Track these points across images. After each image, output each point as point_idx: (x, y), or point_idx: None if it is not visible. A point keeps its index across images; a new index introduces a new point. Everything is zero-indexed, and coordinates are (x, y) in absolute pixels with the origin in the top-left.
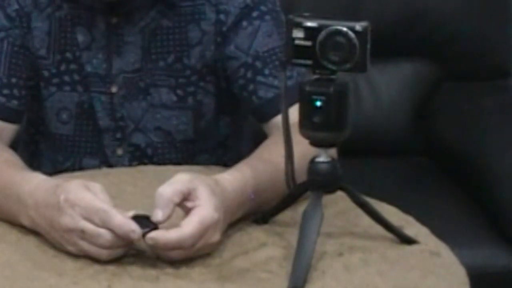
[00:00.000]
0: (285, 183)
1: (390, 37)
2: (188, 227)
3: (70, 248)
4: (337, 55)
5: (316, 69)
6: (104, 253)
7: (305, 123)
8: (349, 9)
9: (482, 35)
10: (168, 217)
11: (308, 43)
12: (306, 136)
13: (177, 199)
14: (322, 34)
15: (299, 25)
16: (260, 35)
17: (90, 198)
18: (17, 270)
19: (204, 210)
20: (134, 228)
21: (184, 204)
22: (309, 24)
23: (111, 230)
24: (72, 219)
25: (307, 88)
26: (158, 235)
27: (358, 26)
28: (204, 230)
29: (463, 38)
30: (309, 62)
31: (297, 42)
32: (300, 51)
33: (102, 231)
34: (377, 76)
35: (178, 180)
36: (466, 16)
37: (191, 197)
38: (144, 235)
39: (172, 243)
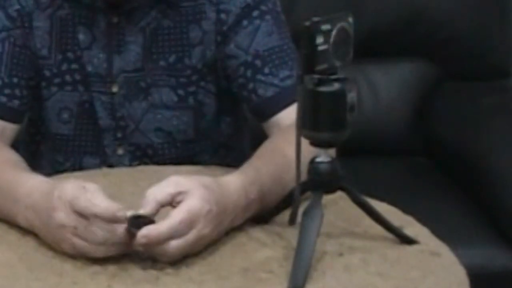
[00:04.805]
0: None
1: (390, 37)
2: (177, 215)
3: (66, 247)
4: (343, 50)
5: (329, 70)
6: (99, 250)
7: (306, 124)
8: (349, 9)
9: (482, 35)
10: (156, 209)
11: (325, 46)
12: (307, 136)
13: (160, 197)
14: (334, 33)
15: (319, 30)
16: (260, 34)
17: (85, 197)
18: (17, 270)
19: (192, 200)
20: (119, 207)
21: (174, 200)
22: (325, 27)
23: (99, 217)
24: (64, 215)
25: (308, 88)
26: (149, 230)
27: (350, 18)
28: (194, 218)
29: (463, 38)
30: (325, 66)
31: (319, 48)
32: (320, 57)
33: (94, 227)
34: (377, 76)
35: (169, 180)
36: (466, 16)
37: (180, 194)
38: None
39: (164, 234)
